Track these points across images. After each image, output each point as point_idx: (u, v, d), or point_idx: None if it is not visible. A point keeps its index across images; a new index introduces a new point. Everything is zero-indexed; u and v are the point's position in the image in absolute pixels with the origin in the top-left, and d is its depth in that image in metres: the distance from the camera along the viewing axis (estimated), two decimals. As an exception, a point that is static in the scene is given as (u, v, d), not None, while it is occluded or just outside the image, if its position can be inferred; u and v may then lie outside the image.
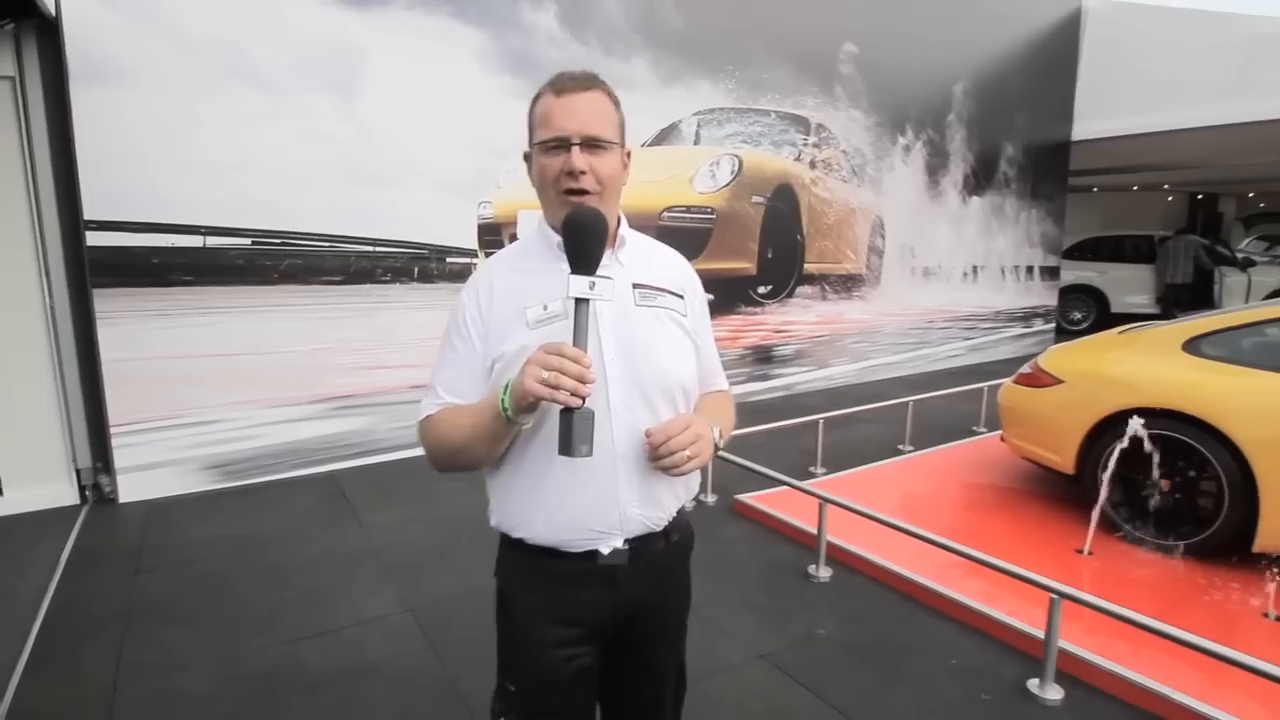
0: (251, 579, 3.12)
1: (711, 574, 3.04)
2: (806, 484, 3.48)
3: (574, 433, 0.99)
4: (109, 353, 3.81)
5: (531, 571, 1.24)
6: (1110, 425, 3.33)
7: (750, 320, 6.34)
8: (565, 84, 1.14)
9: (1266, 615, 2.75)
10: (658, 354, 1.20)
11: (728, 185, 5.91)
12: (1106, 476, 3.25)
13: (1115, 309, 10.94)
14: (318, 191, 4.29)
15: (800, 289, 6.67)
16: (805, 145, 6.53)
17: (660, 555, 1.26)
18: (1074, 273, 10.96)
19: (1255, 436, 2.97)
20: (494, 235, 4.89)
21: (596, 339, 1.13)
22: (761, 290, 6.36)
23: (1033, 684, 2.35)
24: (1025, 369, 3.94)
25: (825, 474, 4.37)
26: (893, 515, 3.00)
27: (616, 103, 1.20)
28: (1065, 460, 3.56)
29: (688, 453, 1.11)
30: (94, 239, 3.73)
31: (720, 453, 1.30)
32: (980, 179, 8.23)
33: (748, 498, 3.82)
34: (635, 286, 1.21)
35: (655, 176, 5.69)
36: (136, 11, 3.70)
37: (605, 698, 1.35)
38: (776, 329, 6.55)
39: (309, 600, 2.93)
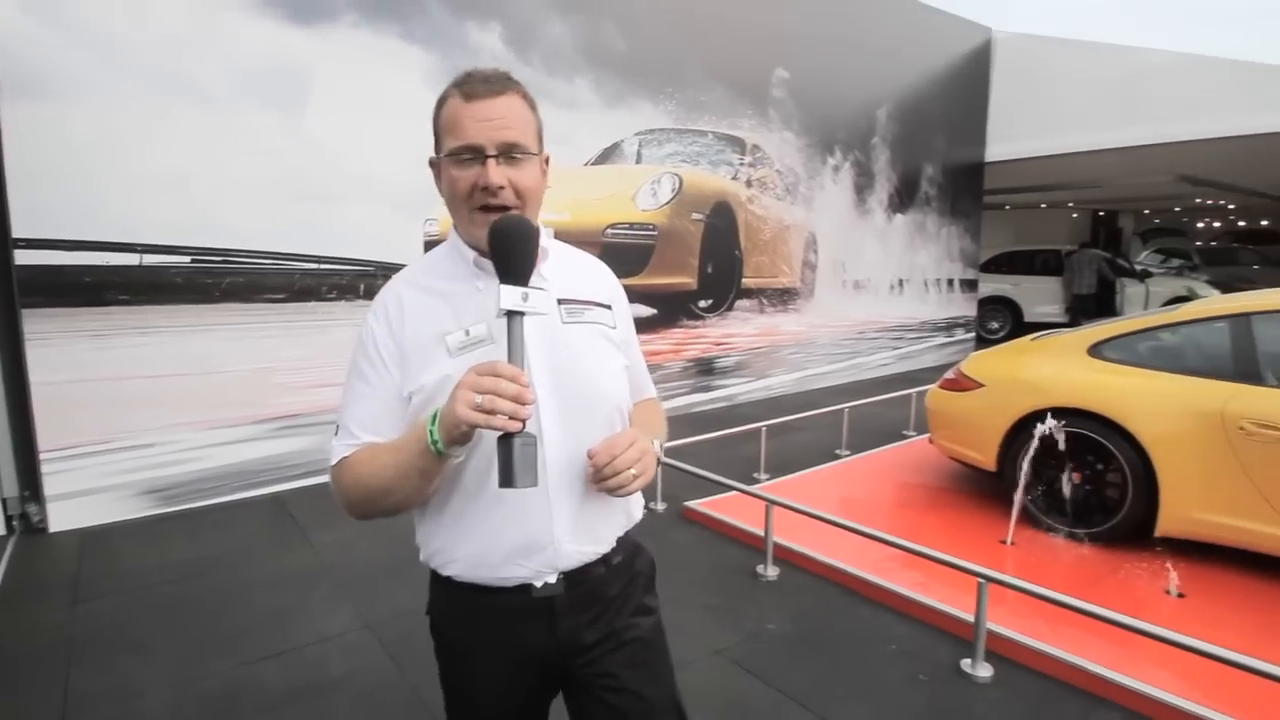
0: (201, 603, 3.06)
1: (665, 577, 3.13)
2: (752, 488, 3.65)
3: (515, 461, 0.89)
4: (39, 375, 3.68)
5: (464, 608, 1.15)
6: (1026, 425, 3.61)
7: (691, 334, 6.53)
8: (475, 87, 1.02)
9: (1169, 592, 3.03)
10: (590, 373, 1.11)
11: (669, 203, 6.10)
12: (1024, 472, 3.52)
13: (1028, 318, 11.65)
14: (261, 208, 4.25)
15: (739, 303, 6.91)
16: (741, 165, 6.80)
17: (600, 581, 1.16)
18: (990, 285, 11.63)
19: (1153, 431, 3.27)
20: (440, 252, 4.92)
21: (523, 360, 1.00)
22: (702, 304, 6.56)
23: (965, 664, 2.55)
24: (949, 375, 4.21)
25: (769, 479, 4.55)
26: (834, 515, 3.19)
27: (533, 105, 1.08)
28: (987, 458, 3.83)
29: (633, 471, 1.02)
30: (23, 257, 3.60)
31: (667, 460, 1.26)
32: (903, 197, 8.69)
33: (696, 504, 3.96)
34: (561, 302, 1.11)
35: (599, 194, 5.83)
36: (68, 26, 3.62)
37: None
38: (717, 342, 6.76)
39: (264, 621, 2.90)
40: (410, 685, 2.47)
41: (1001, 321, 11.89)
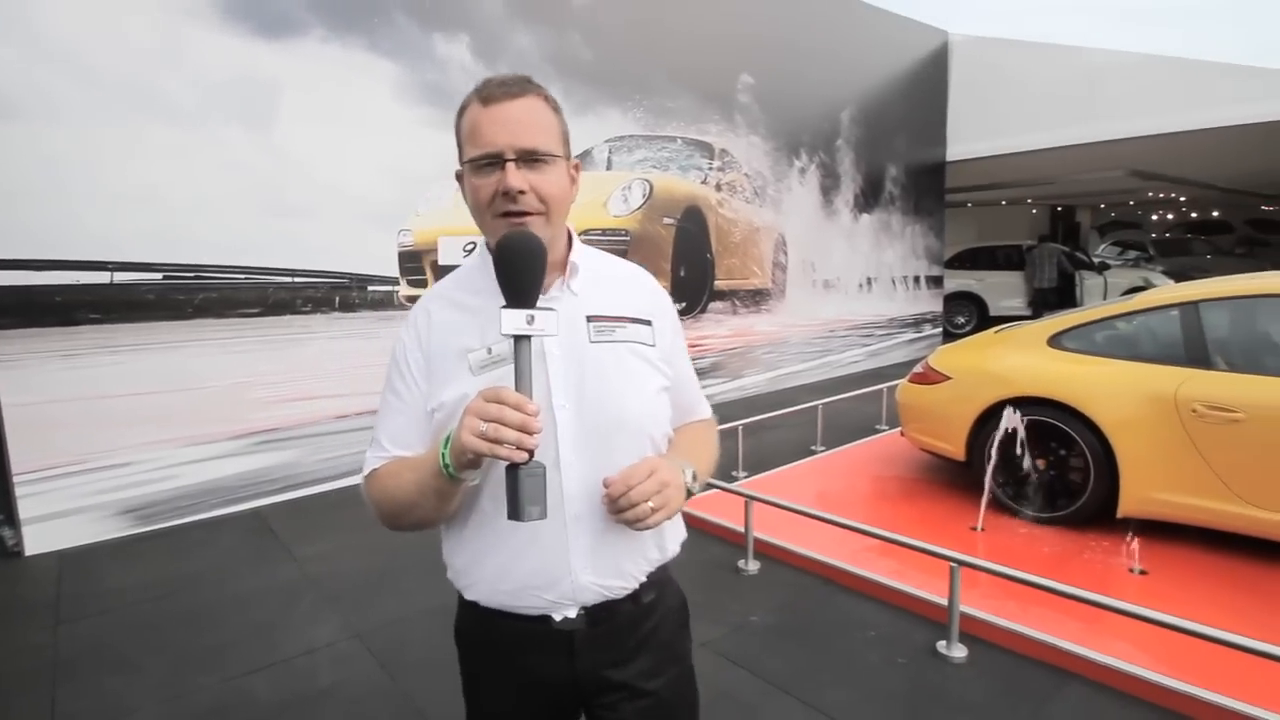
0: (185, 620, 3.05)
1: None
2: (732, 485, 3.73)
3: (521, 493, 0.85)
4: (10, 397, 3.63)
5: (484, 631, 1.11)
6: (993, 414, 3.74)
7: (666, 336, 6.59)
8: (493, 91, 0.99)
9: (1132, 570, 3.17)
10: (617, 396, 1.04)
11: (640, 208, 6.18)
12: (992, 460, 3.64)
13: (993, 312, 11.94)
14: (233, 223, 4.24)
15: (712, 305, 7.01)
16: (710, 169, 6.91)
17: (628, 620, 1.09)
18: (955, 281, 11.90)
19: (1112, 417, 3.41)
20: (415, 263, 4.95)
21: (544, 382, 0.99)
22: (677, 307, 6.62)
23: (941, 646, 2.65)
24: (918, 369, 4.34)
25: (747, 476, 4.64)
26: (811, 509, 3.28)
27: (556, 109, 1.04)
28: (956, 448, 3.96)
29: (651, 504, 0.95)
30: (-10, 279, 3.56)
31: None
32: (869, 197, 8.87)
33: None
34: (590, 319, 1.05)
35: (570, 201, 5.88)
36: (28, 44, 3.59)
37: None
38: (692, 344, 6.83)
39: (251, 635, 2.91)
40: (402, 693, 2.50)
41: (967, 316, 12.17)
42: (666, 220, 6.43)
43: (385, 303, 4.85)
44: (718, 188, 6.98)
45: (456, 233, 5.01)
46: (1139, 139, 8.60)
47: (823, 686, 2.47)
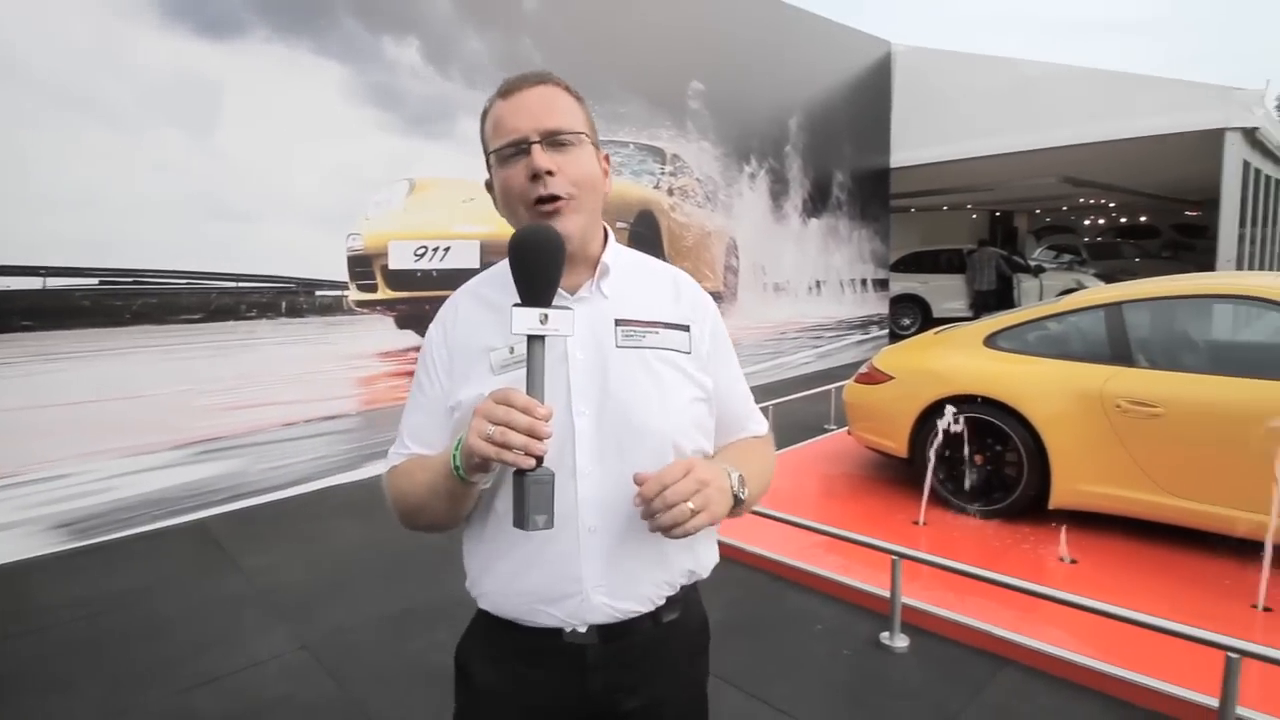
0: (126, 636, 2.96)
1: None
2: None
3: (527, 500, 0.81)
4: (-67, 409, 3.48)
5: (492, 642, 1.05)
6: (933, 413, 3.88)
7: (620, 340, 6.64)
8: (512, 84, 0.97)
9: (1062, 559, 3.32)
10: (640, 405, 0.97)
11: (592, 212, 6.21)
12: (932, 457, 3.78)
13: (937, 314, 12.32)
14: (173, 227, 4.13)
15: (665, 308, 7.06)
16: (662, 174, 6.98)
17: (646, 638, 1.02)
18: (901, 284, 12.25)
19: (1043, 413, 3.58)
20: (365, 267, 4.89)
21: (565, 386, 0.95)
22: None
23: (884, 636, 2.74)
24: (863, 369, 4.47)
25: (699, 478, 4.70)
26: (761, 507, 3.35)
27: (579, 98, 1.01)
28: (900, 446, 4.09)
29: (691, 505, 0.85)
30: (-89, 285, 3.41)
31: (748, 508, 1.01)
32: (817, 202, 9.07)
33: (631, 505, 4.06)
34: (619, 323, 0.99)
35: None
36: (-45, 41, 3.46)
37: None
38: (645, 347, 6.89)
39: (195, 649, 2.84)
40: (353, 700, 2.48)
41: (912, 318, 12.52)
42: (620, 224, 6.48)
43: (334, 308, 4.78)
44: (670, 192, 7.06)
45: (408, 237, 4.97)
46: (1070, 147, 9.01)
47: (770, 680, 2.54)
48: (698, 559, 1.06)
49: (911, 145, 10.15)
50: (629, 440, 0.96)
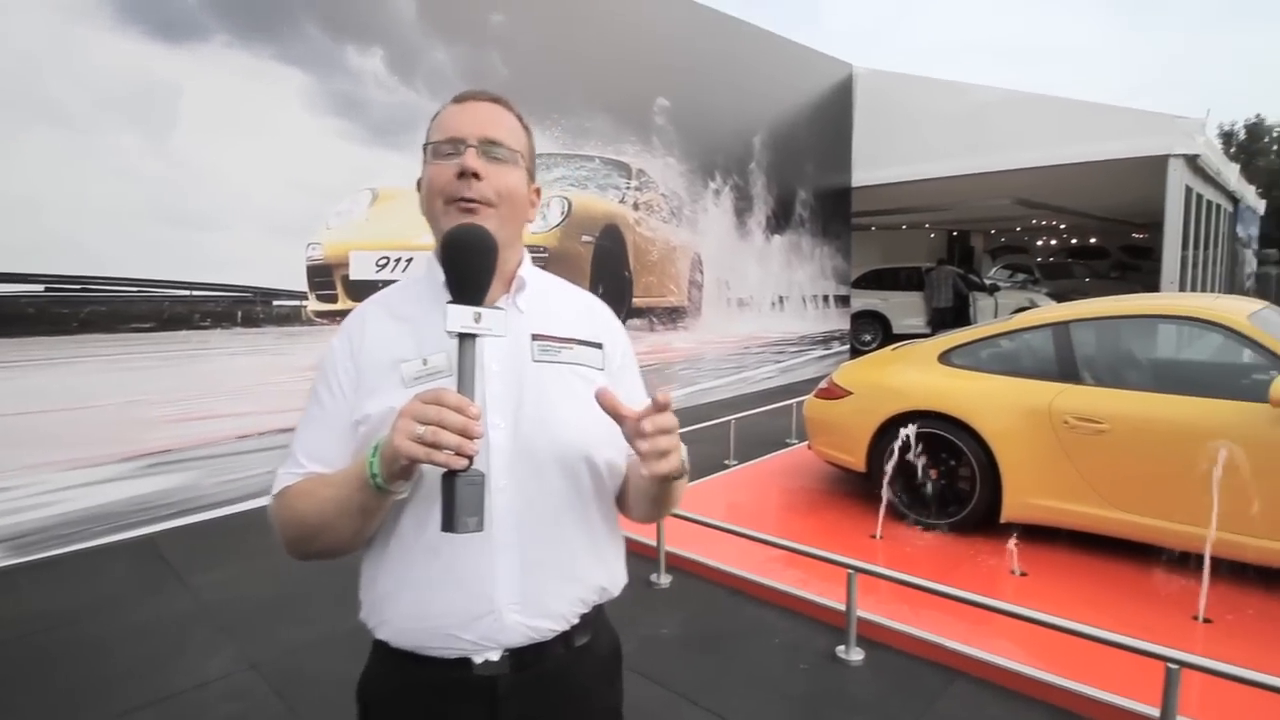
0: (64, 656, 2.85)
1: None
2: (645, 500, 3.78)
3: (458, 502, 0.79)
4: None
5: (396, 679, 1.00)
6: (890, 427, 3.95)
7: (584, 353, 6.64)
8: (468, 93, 1.01)
9: (1013, 572, 3.40)
10: (556, 418, 0.96)
11: (559, 225, 6.23)
12: (888, 471, 3.84)
13: (896, 330, 12.57)
14: (124, 233, 4.02)
15: (630, 322, 7.09)
16: (628, 189, 7.03)
17: (558, 665, 0.99)
18: (862, 300, 12.48)
19: (994, 428, 3.67)
20: (325, 277, 4.82)
21: (480, 398, 0.89)
22: (593, 324, 6.70)
23: (840, 650, 2.77)
24: (823, 384, 4.54)
25: (661, 492, 4.71)
26: (722, 521, 3.38)
27: (527, 128, 1.04)
28: (857, 460, 4.15)
29: (665, 443, 0.85)
30: None
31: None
32: (780, 219, 9.21)
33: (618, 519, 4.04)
34: (535, 338, 0.99)
35: (487, 217, 5.87)
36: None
37: None
38: (609, 360, 6.90)
39: (138, 670, 2.75)
40: (303, 720, 2.43)
41: (873, 334, 12.75)
42: (585, 238, 6.50)
43: (292, 318, 4.69)
44: (635, 207, 7.11)
45: (369, 247, 4.92)
46: (1023, 170, 9.31)
47: (728, 695, 2.55)
48: (611, 575, 1.06)
49: (872, 165, 10.38)
50: (544, 454, 0.96)
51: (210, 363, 4.34)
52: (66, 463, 3.85)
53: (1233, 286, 13.41)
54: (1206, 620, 2.90)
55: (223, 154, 4.34)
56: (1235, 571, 3.07)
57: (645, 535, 3.63)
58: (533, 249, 6.01)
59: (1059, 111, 8.90)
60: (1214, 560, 2.97)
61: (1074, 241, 21.91)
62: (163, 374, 4.18)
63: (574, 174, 6.52)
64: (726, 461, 5.42)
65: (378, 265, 4.94)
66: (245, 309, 4.49)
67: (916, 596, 2.75)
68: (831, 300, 10.48)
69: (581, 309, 1.10)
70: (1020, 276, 17.67)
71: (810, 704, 2.50)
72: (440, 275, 0.95)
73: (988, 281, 14.37)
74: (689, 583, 3.41)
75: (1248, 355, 3.32)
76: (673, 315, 7.67)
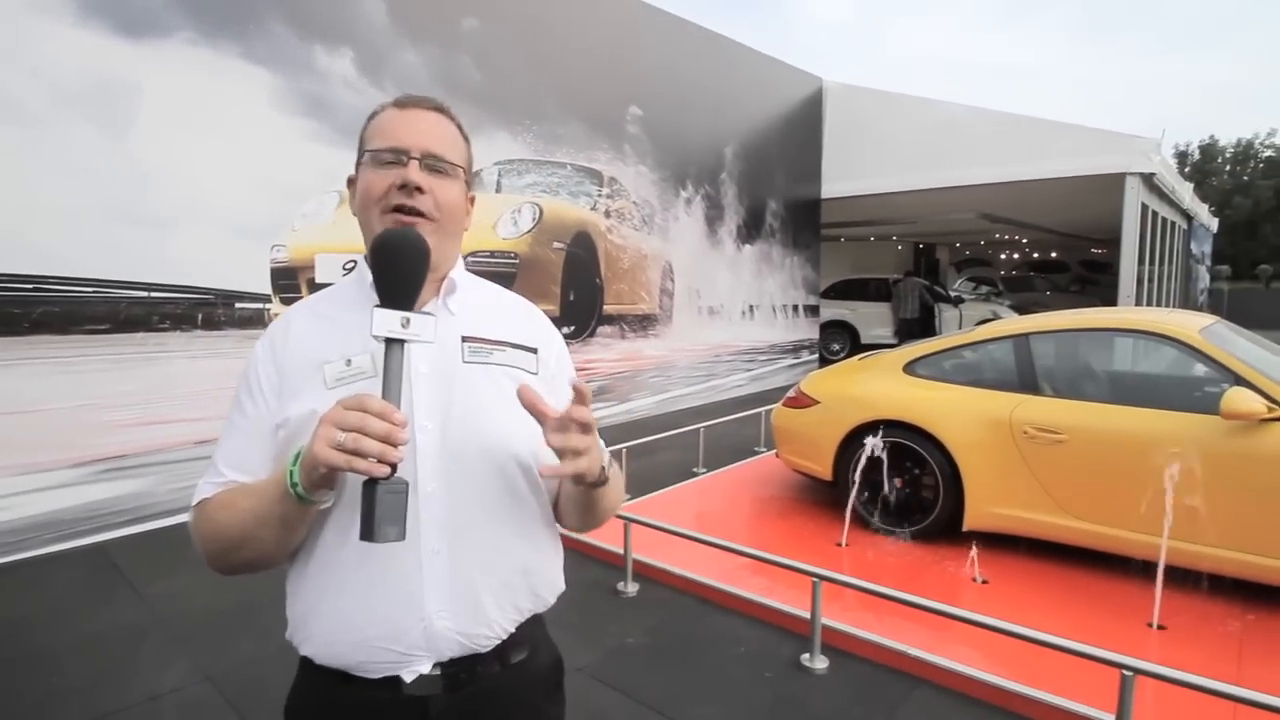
0: (10, 668, 2.75)
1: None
2: (613, 508, 3.77)
3: (379, 510, 0.76)
4: None
5: (322, 700, 0.96)
6: (856, 436, 4.00)
7: (554, 359, 6.61)
8: (410, 99, 0.99)
9: (975, 580, 3.45)
10: (487, 420, 0.94)
11: (529, 231, 6.20)
12: (854, 479, 3.88)
13: (865, 340, 12.73)
14: (80, 232, 3.91)
15: (601, 329, 7.09)
16: (600, 196, 7.03)
17: (494, 684, 0.96)
18: (831, 310, 12.64)
19: (957, 438, 3.73)
20: (289, 279, 4.73)
21: (408, 402, 0.89)
22: (565, 331, 6.67)
23: (805, 658, 2.78)
24: (791, 393, 4.58)
25: (630, 499, 4.69)
26: (689, 530, 3.38)
27: (467, 139, 1.03)
28: (824, 469, 4.19)
29: (578, 441, 0.85)
30: None
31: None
32: (751, 229, 9.29)
33: (557, 525, 4.02)
34: (466, 340, 0.97)
35: (457, 222, 5.83)
36: None
37: None
38: (580, 367, 6.84)
39: (86, 683, 2.66)
40: (259, 734, 2.37)
41: (842, 344, 12.90)
42: (556, 245, 6.48)
43: (255, 321, 4.60)
44: (607, 214, 7.11)
45: (335, 250, 4.84)
46: (987, 185, 9.54)
47: (693, 704, 2.54)
48: (548, 581, 1.04)
49: (841, 177, 10.53)
50: (474, 456, 0.93)
51: (168, 366, 4.23)
52: (15, 468, 3.72)
53: (1186, 301, 13.85)
54: (1160, 627, 2.97)
55: (186, 153, 4.24)
56: (1188, 579, 3.15)
57: (613, 543, 3.62)
58: (503, 255, 6.01)
59: (1022, 129, 9.13)
60: (1167, 568, 3.04)
61: (1036, 256, 22.47)
62: (118, 377, 4.06)
63: (545, 180, 6.50)
64: (695, 469, 5.42)
65: (344, 269, 4.87)
66: (206, 311, 4.39)
67: (880, 603, 2.78)
68: (801, 310, 10.59)
69: (518, 314, 1.08)
70: (984, 289, 18.08)
71: (774, 713, 2.50)
72: (369, 277, 0.93)
73: (953, 293, 14.67)
74: (656, 591, 3.41)
75: (1200, 369, 3.42)
76: (644, 323, 7.68)
